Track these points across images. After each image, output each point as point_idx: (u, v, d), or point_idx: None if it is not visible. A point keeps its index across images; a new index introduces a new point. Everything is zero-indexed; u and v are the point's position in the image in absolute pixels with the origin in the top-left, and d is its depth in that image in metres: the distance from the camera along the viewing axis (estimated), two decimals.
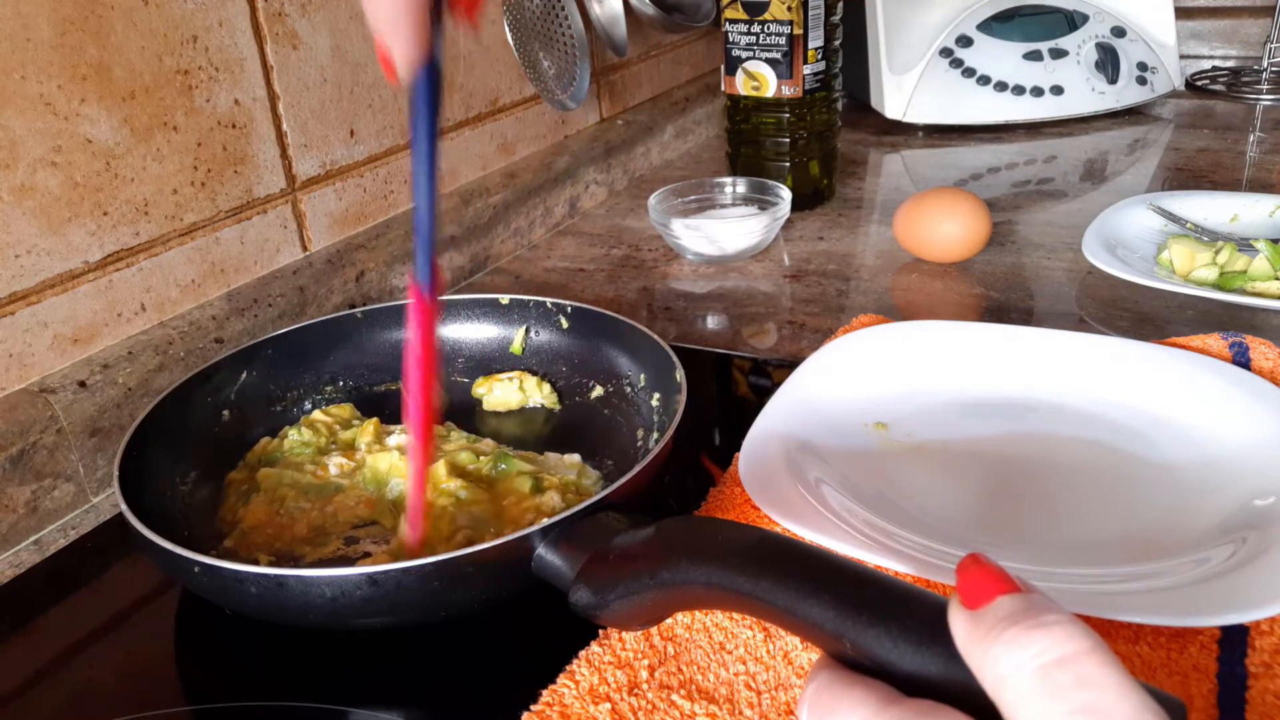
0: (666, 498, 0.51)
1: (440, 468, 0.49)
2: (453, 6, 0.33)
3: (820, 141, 0.92)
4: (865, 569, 0.29)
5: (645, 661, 0.39)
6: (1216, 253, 0.69)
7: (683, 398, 0.49)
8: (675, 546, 0.34)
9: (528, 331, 0.62)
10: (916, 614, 0.26)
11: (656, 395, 0.55)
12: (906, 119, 1.14)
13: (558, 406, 0.60)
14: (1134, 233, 0.76)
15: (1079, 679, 0.21)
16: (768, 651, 0.39)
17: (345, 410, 0.57)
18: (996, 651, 0.23)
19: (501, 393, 0.59)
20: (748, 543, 0.32)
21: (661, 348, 0.54)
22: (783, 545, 0.31)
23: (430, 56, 0.33)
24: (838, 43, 0.90)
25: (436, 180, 0.36)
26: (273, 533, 0.48)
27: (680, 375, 0.51)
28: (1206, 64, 1.37)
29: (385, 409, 0.59)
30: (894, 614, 0.26)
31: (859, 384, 0.57)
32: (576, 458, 0.53)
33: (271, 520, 0.49)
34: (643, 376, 0.57)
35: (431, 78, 0.34)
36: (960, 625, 0.24)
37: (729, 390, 0.65)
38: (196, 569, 0.39)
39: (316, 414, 0.56)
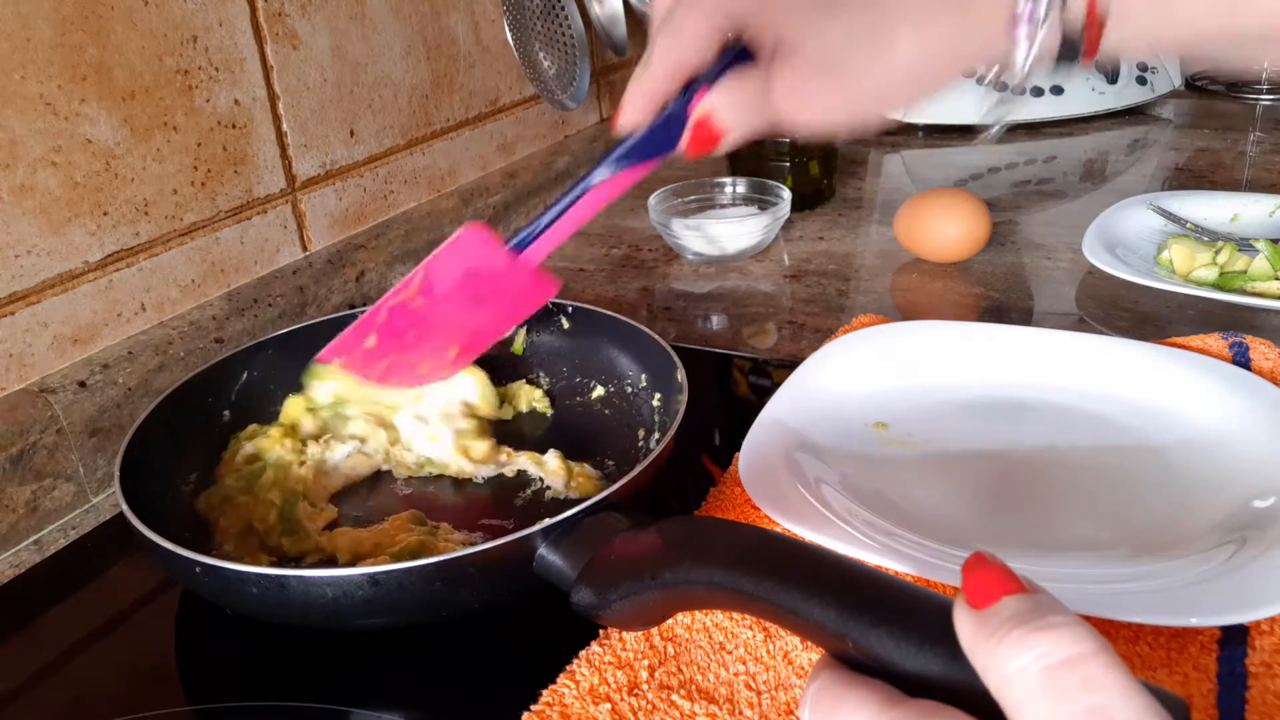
0: (667, 498, 0.51)
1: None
2: (692, 139, 0.39)
3: (820, 141, 0.92)
4: (867, 569, 0.29)
5: (645, 661, 0.39)
6: (1216, 253, 0.69)
7: (684, 398, 0.49)
8: (677, 547, 0.34)
9: (529, 331, 0.62)
10: (920, 614, 0.26)
11: (657, 395, 0.55)
12: (906, 119, 1.14)
13: (550, 411, 0.60)
14: (1134, 233, 0.76)
15: (1084, 681, 0.21)
16: (768, 651, 0.39)
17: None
18: (1002, 652, 0.23)
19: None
20: (749, 543, 0.32)
21: (663, 348, 0.54)
22: (784, 545, 0.31)
23: (639, 130, 0.40)
24: None
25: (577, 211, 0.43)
26: (257, 540, 0.48)
27: (681, 375, 0.51)
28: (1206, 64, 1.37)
29: None
30: (897, 614, 0.26)
31: (859, 384, 0.57)
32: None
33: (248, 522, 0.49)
34: (644, 377, 0.57)
35: (637, 148, 0.41)
36: (965, 625, 0.24)
37: (729, 390, 0.65)
38: (198, 569, 0.39)
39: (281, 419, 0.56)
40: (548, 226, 0.44)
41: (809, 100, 0.35)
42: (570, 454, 0.53)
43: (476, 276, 0.46)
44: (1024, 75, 0.32)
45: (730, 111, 0.37)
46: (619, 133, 0.40)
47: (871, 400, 0.56)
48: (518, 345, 0.62)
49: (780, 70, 0.36)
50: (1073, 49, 0.31)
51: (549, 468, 0.51)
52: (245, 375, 0.56)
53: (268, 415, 0.57)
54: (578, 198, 0.43)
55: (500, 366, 0.62)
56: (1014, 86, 0.33)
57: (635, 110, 0.39)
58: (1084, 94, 1.13)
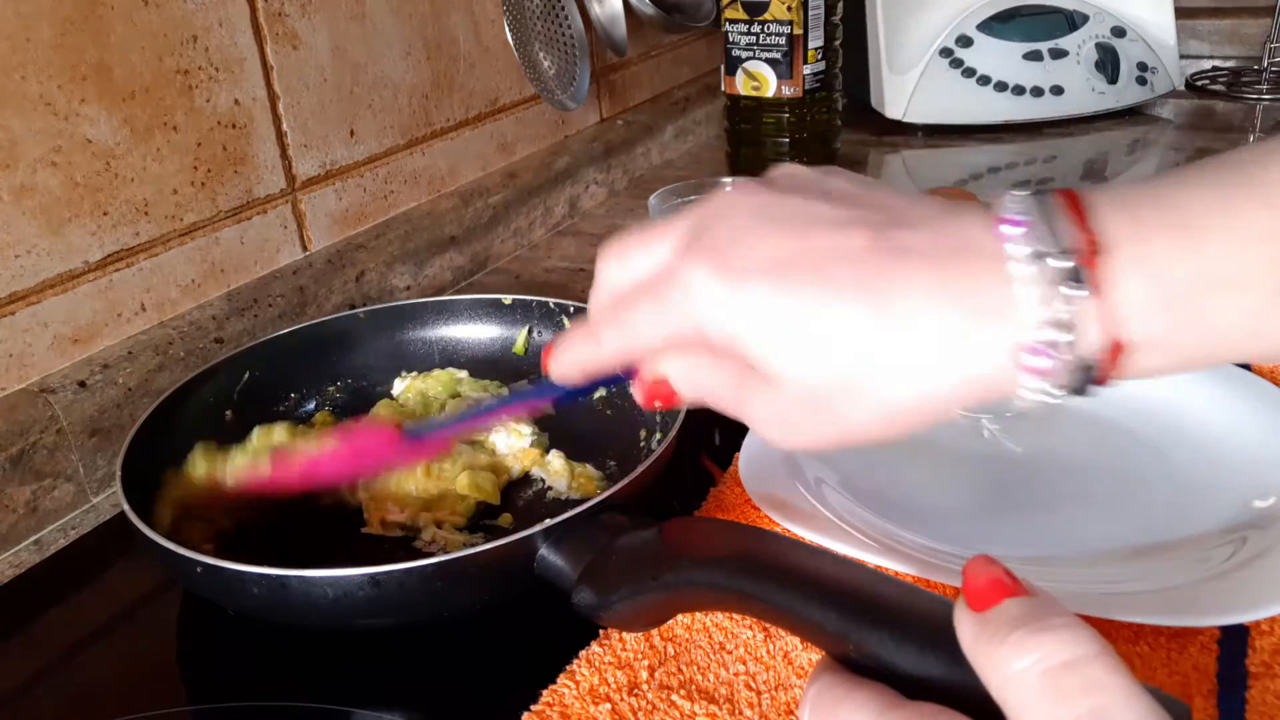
0: (668, 498, 0.51)
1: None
2: (648, 394, 0.34)
3: (820, 142, 0.92)
4: (869, 570, 0.29)
5: (645, 662, 0.39)
6: None
7: None
8: (678, 547, 0.34)
9: (530, 332, 0.62)
10: (920, 616, 0.26)
11: None
12: (906, 119, 1.14)
13: (551, 411, 0.59)
14: None
15: (1086, 683, 0.21)
16: (768, 651, 0.39)
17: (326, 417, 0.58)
18: (1003, 654, 0.23)
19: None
20: (750, 544, 0.32)
21: None
22: (785, 546, 0.31)
23: (564, 389, 0.36)
24: (838, 43, 0.90)
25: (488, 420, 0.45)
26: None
27: None
28: (1206, 64, 1.37)
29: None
30: (898, 616, 0.26)
31: None
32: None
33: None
34: None
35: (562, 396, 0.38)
36: (966, 627, 0.24)
37: None
38: (199, 569, 0.39)
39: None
40: (444, 429, 0.43)
41: (793, 430, 0.30)
42: (572, 454, 0.53)
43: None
44: (1029, 407, 0.27)
45: (689, 386, 0.32)
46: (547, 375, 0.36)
47: None
48: (519, 346, 0.62)
49: (755, 397, 0.31)
50: (1085, 377, 0.27)
51: (552, 468, 0.52)
52: (246, 375, 0.56)
53: (270, 416, 0.57)
54: (486, 413, 0.43)
55: (502, 367, 0.62)
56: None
57: (569, 374, 0.35)
58: (1084, 94, 1.13)
